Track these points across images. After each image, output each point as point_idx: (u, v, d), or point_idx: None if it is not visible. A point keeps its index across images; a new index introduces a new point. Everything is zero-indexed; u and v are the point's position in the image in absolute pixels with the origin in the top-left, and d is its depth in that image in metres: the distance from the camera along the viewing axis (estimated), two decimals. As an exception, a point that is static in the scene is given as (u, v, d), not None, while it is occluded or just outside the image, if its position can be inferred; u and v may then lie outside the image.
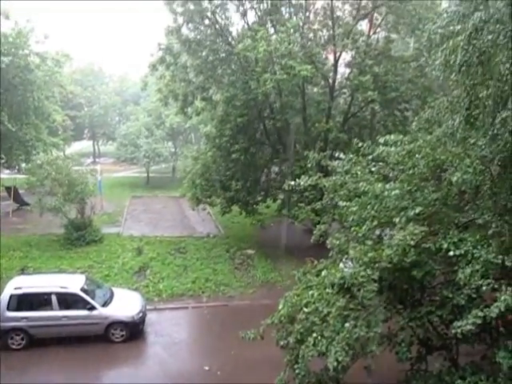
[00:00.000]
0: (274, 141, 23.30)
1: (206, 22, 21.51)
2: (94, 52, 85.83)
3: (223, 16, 21.64)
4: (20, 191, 30.41)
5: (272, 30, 20.68)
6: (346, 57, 22.47)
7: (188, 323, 17.44)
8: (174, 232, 26.15)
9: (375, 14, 21.85)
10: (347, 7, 21.77)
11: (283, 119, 21.78)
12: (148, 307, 16.41)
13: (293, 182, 10.27)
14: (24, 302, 14.50)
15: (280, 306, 8.99)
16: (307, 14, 22.02)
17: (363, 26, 22.73)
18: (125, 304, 15.52)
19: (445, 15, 9.51)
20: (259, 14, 21.55)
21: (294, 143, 22.44)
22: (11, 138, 29.78)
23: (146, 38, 58.60)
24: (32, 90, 29.87)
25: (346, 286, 7.61)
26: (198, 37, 21.98)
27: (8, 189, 30.73)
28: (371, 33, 22.09)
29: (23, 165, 31.92)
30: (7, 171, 35.25)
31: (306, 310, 8.15)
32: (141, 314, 15.31)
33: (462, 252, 7.35)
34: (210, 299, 18.04)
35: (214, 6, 21.04)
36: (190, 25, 21.75)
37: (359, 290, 7.37)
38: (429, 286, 8.67)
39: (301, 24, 20.83)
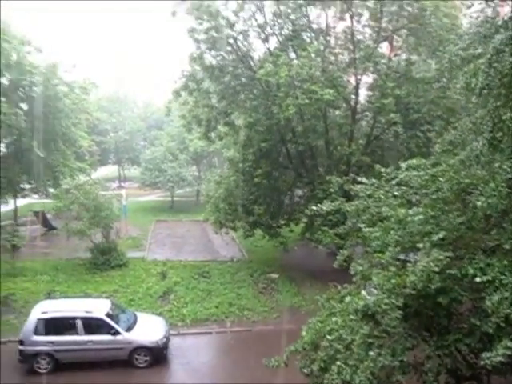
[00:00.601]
0: (297, 164, 23.35)
1: (228, 48, 21.90)
2: (119, 78, 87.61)
3: (245, 42, 22.03)
4: (48, 216, 30.98)
5: (293, 55, 20.89)
6: (368, 79, 22.52)
7: (212, 349, 17.35)
8: (197, 256, 26.22)
9: (396, 37, 21.92)
10: (367, 30, 21.88)
11: (306, 143, 21.87)
12: (172, 332, 16.44)
13: (315, 207, 10.23)
14: (50, 326, 14.66)
15: (303, 333, 8.89)
16: (328, 38, 22.22)
17: (384, 48, 22.80)
18: (149, 329, 15.55)
19: (466, 37, 9.48)
20: (280, 39, 21.86)
21: (316, 167, 22.45)
22: (40, 164, 30.57)
23: (171, 64, 60.01)
24: (60, 118, 30.87)
25: (369, 312, 7.48)
26: (221, 63, 22.38)
27: (36, 213, 31.36)
28: (392, 55, 22.13)
29: (51, 190, 32.67)
30: (36, 196, 36.06)
31: (329, 337, 8.04)
32: (164, 339, 15.31)
33: (489, 278, 7.14)
34: (234, 324, 17.95)
35: (236, 33, 21.47)
36: (212, 51, 22.18)
37: (383, 317, 7.23)
38: (456, 312, 8.43)
39: (322, 48, 21.02)
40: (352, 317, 7.88)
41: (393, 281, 7.41)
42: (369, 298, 7.74)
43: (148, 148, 49.14)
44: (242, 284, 21.65)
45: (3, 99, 28.14)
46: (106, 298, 17.90)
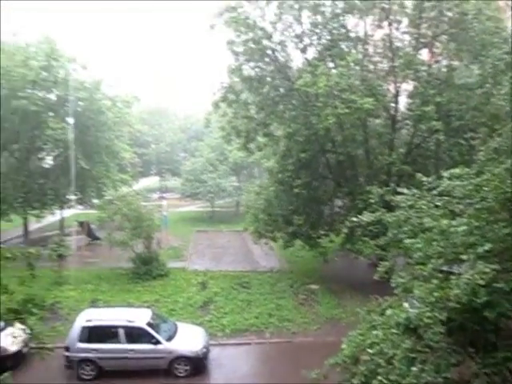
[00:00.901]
0: (337, 174, 23.16)
1: (267, 59, 22.00)
2: (160, 90, 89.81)
3: (283, 53, 22.10)
4: (92, 226, 31.82)
5: (332, 65, 20.79)
6: (407, 87, 22.12)
7: (251, 359, 17.25)
8: (237, 266, 26.33)
9: (436, 43, 21.46)
10: (407, 37, 21.52)
11: (345, 152, 21.67)
12: (211, 342, 16.50)
13: (355, 219, 10.08)
14: (94, 334, 15.01)
15: (344, 346, 8.73)
16: (366, 46, 22.01)
17: (424, 55, 22.37)
18: (189, 339, 15.66)
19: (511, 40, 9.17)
20: (318, 49, 21.80)
21: (356, 176, 22.18)
22: (84, 175, 31.61)
23: (211, 75, 60.79)
24: (104, 131, 31.83)
25: (411, 326, 7.27)
26: (259, 74, 22.51)
27: (81, 224, 32.29)
28: (432, 61, 21.67)
29: (95, 201, 33.66)
30: (81, 207, 37.20)
31: (370, 350, 7.85)
32: (204, 349, 15.40)
33: (540, 292, 6.84)
34: (273, 335, 17.86)
35: (274, 44, 21.58)
36: (250, 63, 22.33)
37: (426, 331, 7.01)
38: (505, 328, 8.09)
39: (360, 57, 20.83)
40: (393, 330, 7.67)
41: (436, 294, 7.17)
42: (411, 311, 7.53)
43: (188, 159, 49.89)
44: (282, 295, 21.56)
45: (51, 114, 29.34)
46: (148, 307, 18.17)
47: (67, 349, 14.82)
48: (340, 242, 23.04)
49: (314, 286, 22.05)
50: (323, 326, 18.56)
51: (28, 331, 13.70)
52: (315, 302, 20.76)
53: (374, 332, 8.11)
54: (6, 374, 10.13)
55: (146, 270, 23.91)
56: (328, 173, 23.49)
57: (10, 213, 30.22)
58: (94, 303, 19.75)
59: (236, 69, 22.45)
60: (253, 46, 21.20)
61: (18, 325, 13.34)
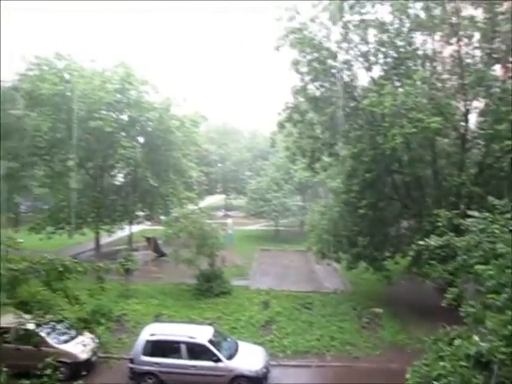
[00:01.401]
0: (403, 195, 22.50)
1: (332, 79, 21.93)
2: (227, 109, 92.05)
3: (348, 72, 21.96)
4: (159, 242, 32.72)
5: (398, 83, 20.37)
6: (479, 105, 21.17)
7: (311, 382, 16.90)
8: (300, 286, 26.04)
9: (510, 58, 20.43)
10: (477, 53, 20.65)
11: (412, 173, 21.03)
12: (272, 363, 16.30)
13: (423, 242, 9.74)
14: (157, 348, 15.26)
15: (408, 376, 8.38)
16: (434, 63, 21.39)
17: (497, 70, 21.35)
18: (249, 358, 15.58)
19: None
20: (384, 67, 21.46)
21: (424, 198, 21.43)
22: (153, 193, 32.77)
23: (276, 93, 61.44)
24: (172, 150, 32.91)
25: (483, 360, 6.83)
26: (324, 94, 22.44)
27: (148, 239, 33.28)
28: (506, 77, 20.63)
29: (162, 217, 34.71)
30: (148, 223, 38.49)
31: (436, 383, 7.45)
32: (265, 370, 15.25)
33: None
34: (335, 359, 17.39)
35: (339, 64, 21.50)
36: (315, 83, 22.35)
37: (500, 367, 6.55)
38: None
39: (428, 75, 20.26)
40: (463, 363, 7.25)
41: (510, 327, 6.72)
42: (482, 344, 7.07)
43: (253, 178, 50.46)
44: (345, 317, 21.06)
45: (123, 134, 30.77)
46: (210, 324, 18.31)
47: (131, 361, 15.21)
48: (406, 264, 22.24)
49: (377, 310, 21.35)
50: (386, 351, 17.89)
51: (97, 341, 14.29)
52: (378, 326, 20.09)
53: (442, 363, 7.71)
54: (79, 382, 10.57)
55: (210, 287, 24.19)
56: (394, 193, 22.87)
57: (83, 227, 31.78)
58: (158, 317, 20.18)
59: (301, 89, 22.55)
60: (318, 65, 21.24)
61: (87, 334, 13.95)
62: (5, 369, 9.25)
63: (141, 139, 33.08)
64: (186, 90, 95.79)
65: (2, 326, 12.94)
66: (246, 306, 22.69)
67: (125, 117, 31.49)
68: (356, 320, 20.81)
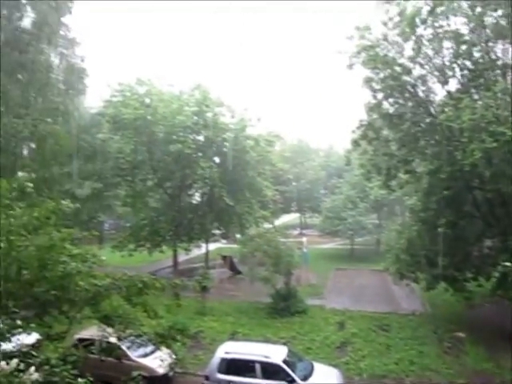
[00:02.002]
0: (485, 213, 21.32)
1: (406, 95, 21.45)
2: (301, 127, 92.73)
3: (423, 87, 21.39)
4: (234, 260, 33.25)
5: (476, 96, 19.54)
6: None
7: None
8: (376, 307, 25.36)
9: None
10: None
11: (495, 189, 19.91)
12: (347, 386, 15.97)
13: (509, 264, 9.25)
14: (232, 366, 15.38)
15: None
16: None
17: None
18: (325, 380, 15.30)
19: None
20: (461, 80, 20.69)
21: (508, 215, 20.21)
22: (229, 212, 33.47)
23: (350, 110, 61.15)
24: (247, 169, 33.51)
25: None
26: (399, 110, 21.97)
27: (224, 258, 33.96)
28: None
29: (238, 236, 35.30)
30: (224, 241, 39.28)
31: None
32: (340, 393, 14.96)
33: None
34: (414, 385, 16.69)
35: (414, 79, 21.01)
36: (390, 99, 21.97)
37: None
38: None
39: (510, 86, 19.25)
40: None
41: None
42: None
43: (328, 196, 50.14)
44: (424, 341, 20.17)
45: (200, 154, 31.85)
46: (284, 344, 18.30)
47: (207, 378, 15.47)
48: (490, 286, 20.98)
49: (460, 334, 20.22)
50: (472, 380, 16.84)
51: (173, 356, 14.75)
52: (462, 352, 18.99)
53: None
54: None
55: (285, 306, 24.20)
56: (475, 211, 21.74)
57: (162, 245, 33.06)
58: (233, 335, 20.46)
59: (375, 106, 22.23)
60: (392, 82, 20.86)
61: (165, 349, 14.44)
62: (90, 378, 9.81)
63: (217, 159, 34.05)
64: (260, 107, 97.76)
65: (88, 337, 13.78)
66: (321, 326, 22.46)
67: (201, 138, 32.58)
68: (437, 344, 19.87)
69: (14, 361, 5.70)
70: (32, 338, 11.29)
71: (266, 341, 19.38)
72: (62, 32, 24.15)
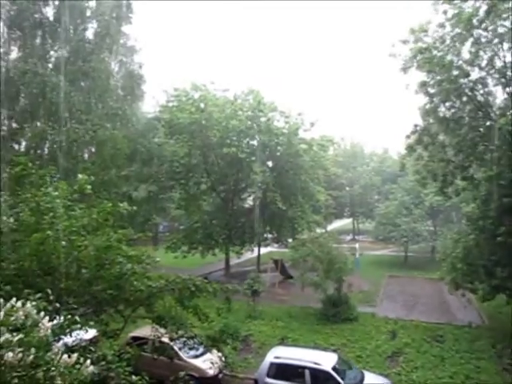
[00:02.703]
0: (549, 222, 20.29)
1: (464, 98, 20.83)
2: (356, 131, 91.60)
3: (482, 90, 20.68)
4: (286, 264, 33.26)
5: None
6: None
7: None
8: (430, 317, 24.60)
9: None
10: None
11: (560, 197, 18.95)
12: (399, 397, 15.61)
13: None
14: (281, 371, 15.37)
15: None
16: None
17: None
18: (375, 389, 15.09)
19: None
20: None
21: None
22: (281, 216, 33.58)
23: (404, 115, 59.90)
24: (300, 174, 33.57)
25: None
26: (456, 114, 21.36)
27: (276, 261, 34.01)
28: None
29: (289, 240, 35.35)
30: (276, 245, 39.40)
31: None
32: (390, 403, 14.65)
33: None
34: (471, 401, 16.06)
35: (472, 82, 20.35)
36: (446, 103, 21.39)
37: None
38: None
39: None
40: None
41: None
42: None
43: (382, 202, 49.24)
44: (482, 355, 19.26)
45: (253, 158, 32.18)
46: (334, 350, 18.12)
47: (256, 382, 15.55)
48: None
49: (522, 350, 19.28)
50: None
51: (223, 359, 14.97)
52: (524, 370, 18.06)
53: None
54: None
55: (335, 312, 23.96)
56: (539, 220, 20.73)
57: (214, 247, 33.59)
58: (283, 340, 20.47)
59: (430, 110, 21.70)
60: (448, 85, 20.29)
61: (215, 352, 14.69)
62: (146, 377, 10.13)
63: (270, 163, 34.28)
64: (314, 110, 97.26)
65: (142, 336, 14.24)
66: (372, 334, 22.05)
67: (255, 142, 32.94)
68: (495, 360, 18.92)
69: (75, 354, 6.01)
70: (90, 333, 11.81)
71: (316, 347, 19.25)
72: (121, 41, 25.19)
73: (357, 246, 38.32)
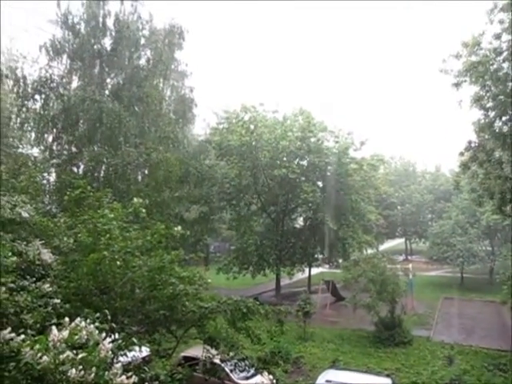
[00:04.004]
0: None
1: (523, 112, 20.05)
2: (407, 148, 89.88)
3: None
4: (337, 285, 32.74)
5: None
6: None
7: None
8: (491, 343, 23.41)
9: None
10: None
11: None
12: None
13: None
14: (332, 395, 15.17)
15: None
16: None
17: None
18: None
19: None
20: None
21: None
22: (331, 236, 33.20)
23: (456, 131, 58.28)
24: (350, 193, 33.19)
25: None
26: (514, 129, 20.57)
27: (327, 282, 33.55)
28: None
29: (340, 260, 34.85)
30: (327, 266, 38.91)
31: None
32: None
33: None
34: None
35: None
36: (503, 118, 20.66)
37: None
38: None
39: None
40: None
41: None
42: None
43: (435, 221, 47.86)
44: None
45: (303, 179, 32.13)
46: (388, 375, 17.59)
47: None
48: None
49: None
50: None
51: (274, 381, 14.83)
52: None
53: None
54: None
55: (389, 335, 23.32)
56: None
57: (265, 268, 33.57)
58: (334, 363, 20.07)
59: (486, 125, 20.98)
60: (505, 99, 19.62)
61: (265, 374, 14.57)
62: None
63: (320, 183, 34.12)
64: (364, 128, 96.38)
65: (193, 356, 14.35)
66: (427, 359, 21.28)
67: (304, 162, 32.93)
68: None
69: (133, 376, 6.20)
70: (143, 352, 12.02)
71: (369, 371, 18.73)
72: (172, 66, 26.01)
73: (410, 266, 37.23)
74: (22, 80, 21.94)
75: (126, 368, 8.63)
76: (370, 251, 39.75)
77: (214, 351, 11.54)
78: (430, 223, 51.19)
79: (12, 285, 7.41)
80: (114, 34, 23.03)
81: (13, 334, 5.95)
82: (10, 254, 7.29)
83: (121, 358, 8.04)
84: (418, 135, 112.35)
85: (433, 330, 25.99)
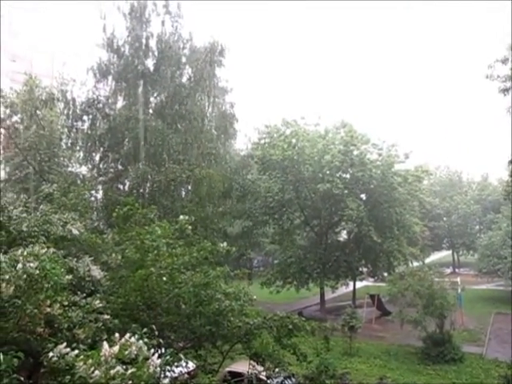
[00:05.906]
0: None
1: None
2: (451, 158, 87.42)
3: None
4: (382, 299, 32.05)
5: None
6: None
7: None
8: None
9: None
10: None
11: None
12: None
13: None
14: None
15: None
16: None
17: None
18: None
19: None
20: None
21: None
22: (376, 249, 32.66)
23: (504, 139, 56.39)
24: (395, 206, 32.53)
25: None
26: None
27: (372, 296, 32.92)
28: None
29: (385, 274, 34.15)
30: (371, 279, 38.19)
31: None
32: None
33: None
34: None
35: None
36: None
37: None
38: None
39: None
40: None
41: None
42: None
43: (484, 232, 46.30)
44: None
45: (346, 192, 31.79)
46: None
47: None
48: None
49: None
50: None
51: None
52: None
53: None
54: None
55: (438, 351, 22.57)
56: None
57: (309, 282, 33.28)
58: (381, 380, 19.59)
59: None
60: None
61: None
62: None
63: (363, 196, 33.69)
64: (408, 138, 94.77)
65: (238, 371, 14.34)
66: (481, 377, 20.46)
67: (347, 175, 32.62)
68: None
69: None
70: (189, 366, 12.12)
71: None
72: (214, 83, 26.40)
73: (458, 279, 36.01)
74: (71, 102, 22.83)
75: (173, 383, 8.75)
76: (415, 264, 38.69)
77: (259, 367, 11.52)
78: (478, 235, 49.50)
79: (65, 301, 7.67)
80: (156, 54, 23.64)
81: (68, 349, 6.16)
82: (63, 271, 7.54)
83: (168, 373, 8.15)
84: (462, 144, 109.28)
85: (485, 347, 24.98)
